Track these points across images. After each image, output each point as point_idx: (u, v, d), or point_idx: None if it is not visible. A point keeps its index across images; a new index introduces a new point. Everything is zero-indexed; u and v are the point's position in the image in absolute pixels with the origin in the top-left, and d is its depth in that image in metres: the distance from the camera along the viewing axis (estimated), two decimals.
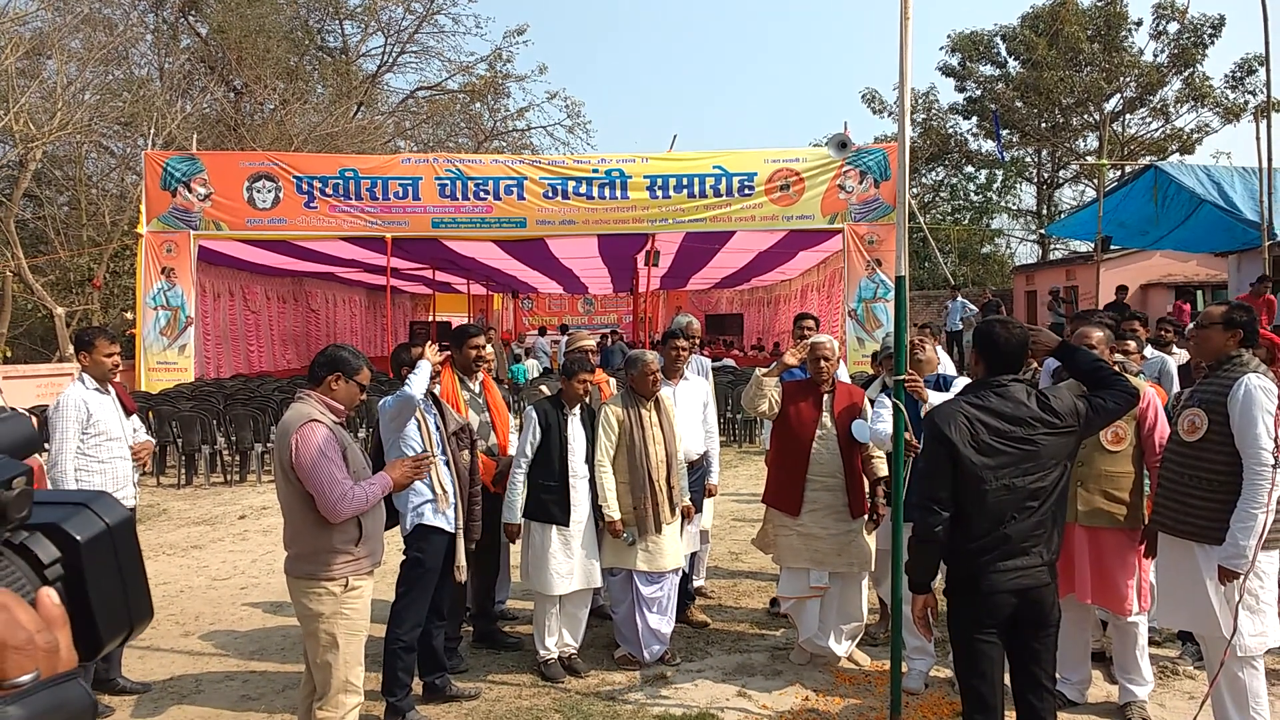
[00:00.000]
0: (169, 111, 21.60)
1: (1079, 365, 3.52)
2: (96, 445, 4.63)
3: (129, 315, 18.94)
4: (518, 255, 19.55)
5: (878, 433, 4.79)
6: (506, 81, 32.36)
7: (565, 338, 20.37)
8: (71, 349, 18.00)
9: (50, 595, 0.62)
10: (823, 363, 4.96)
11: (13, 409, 6.16)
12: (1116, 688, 4.48)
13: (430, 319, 26.46)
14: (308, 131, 25.08)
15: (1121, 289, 15.04)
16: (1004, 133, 30.94)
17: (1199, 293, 21.04)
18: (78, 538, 0.67)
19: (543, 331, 23.84)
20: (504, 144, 32.78)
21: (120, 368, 4.93)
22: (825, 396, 5.00)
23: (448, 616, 4.78)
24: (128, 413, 4.92)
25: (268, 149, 21.18)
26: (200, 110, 25.29)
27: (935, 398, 4.49)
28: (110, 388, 4.82)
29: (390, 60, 32.14)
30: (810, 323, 6.40)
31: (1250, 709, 3.79)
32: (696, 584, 6.14)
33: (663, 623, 5.06)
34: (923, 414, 4.20)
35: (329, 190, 15.69)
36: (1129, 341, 5.15)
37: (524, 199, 15.67)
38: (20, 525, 0.65)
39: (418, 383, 4.14)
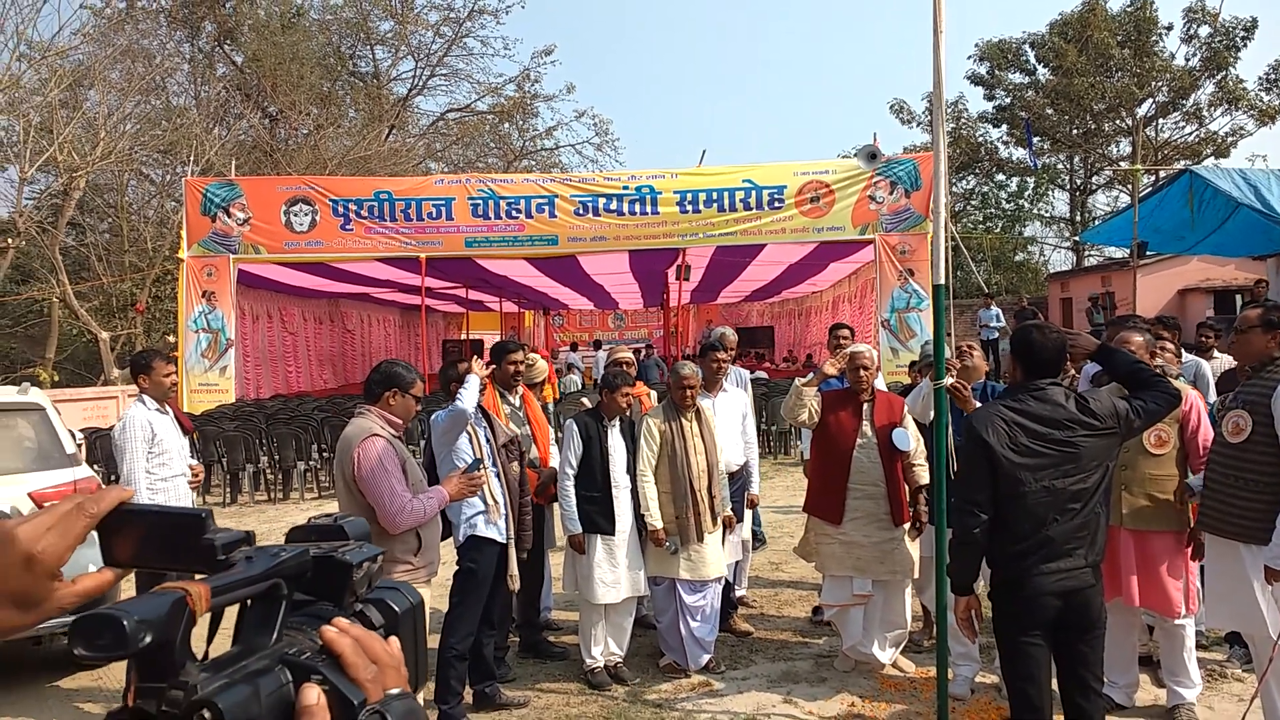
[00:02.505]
0: (207, 139, 22.07)
1: (1118, 367, 3.55)
2: (160, 464, 4.77)
3: (171, 339, 19.32)
4: (549, 272, 19.72)
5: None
6: (535, 101, 32.70)
7: (601, 353, 20.52)
8: (115, 373, 18.41)
9: (396, 642, 0.83)
10: (862, 371, 5.01)
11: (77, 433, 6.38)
12: (1164, 691, 4.48)
13: (463, 337, 26.71)
14: (341, 155, 25.50)
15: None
16: (1035, 140, 30.77)
17: (1238, 297, 20.79)
18: (397, 610, 0.87)
19: (574, 347, 23.98)
20: (533, 163, 33.08)
21: (176, 387, 5.09)
22: (865, 405, 5.04)
23: (497, 626, 4.87)
24: (185, 431, 5.08)
25: (303, 173, 21.55)
26: (237, 137, 25.78)
27: None
28: (169, 407, 4.98)
29: (420, 83, 32.59)
30: (845, 332, 6.45)
31: None
32: (739, 593, 6.18)
33: (707, 631, 5.12)
34: None
35: (364, 212, 15.94)
36: (1167, 344, 5.15)
37: (555, 216, 15.81)
38: (362, 597, 0.86)
39: (468, 397, 4.24)
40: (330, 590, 0.84)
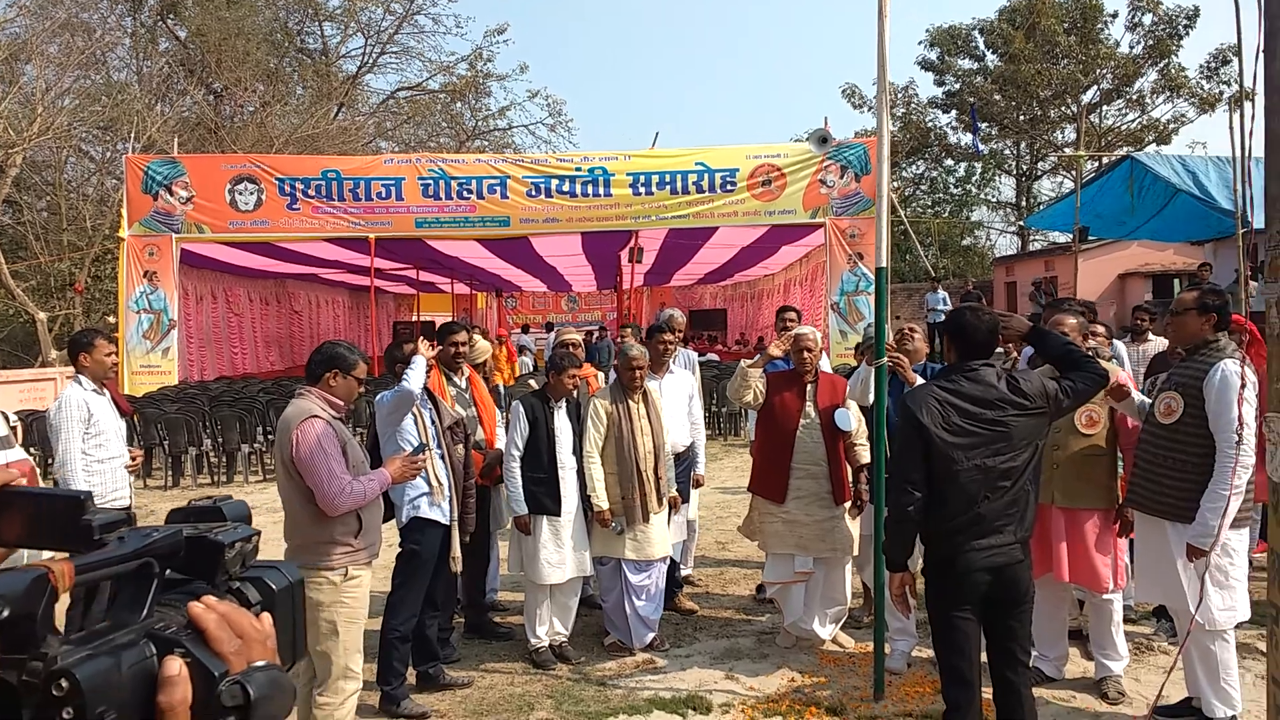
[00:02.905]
0: (149, 115, 21.55)
1: (1050, 349, 3.64)
2: (97, 445, 4.68)
3: (111, 319, 18.90)
4: (501, 254, 19.61)
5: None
6: (487, 81, 32.40)
7: (551, 334, 20.47)
8: (54, 354, 17.98)
9: (268, 617, 0.87)
10: (806, 353, 5.07)
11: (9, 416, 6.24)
12: (1093, 664, 4.61)
13: (414, 318, 26.46)
14: (289, 133, 25.05)
15: None
16: (982, 126, 31.20)
17: (1176, 281, 21.33)
18: (274, 587, 0.92)
19: (525, 329, 23.90)
20: (486, 143, 32.79)
21: (116, 368, 5.00)
22: (809, 386, 5.10)
23: (441, 607, 4.87)
24: (122, 413, 4.99)
25: (248, 151, 21.14)
26: (180, 113, 25.21)
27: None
28: (106, 389, 4.88)
29: (370, 61, 32.11)
30: (792, 315, 6.51)
31: (1221, 680, 3.93)
32: (684, 572, 6.24)
33: (651, 610, 5.16)
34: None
35: (311, 191, 15.70)
36: (1098, 326, 5.29)
37: (507, 198, 15.72)
38: (238, 575, 0.90)
39: (415, 378, 4.22)
40: (203, 569, 0.88)
